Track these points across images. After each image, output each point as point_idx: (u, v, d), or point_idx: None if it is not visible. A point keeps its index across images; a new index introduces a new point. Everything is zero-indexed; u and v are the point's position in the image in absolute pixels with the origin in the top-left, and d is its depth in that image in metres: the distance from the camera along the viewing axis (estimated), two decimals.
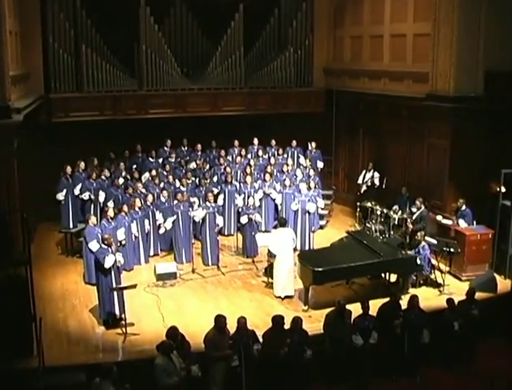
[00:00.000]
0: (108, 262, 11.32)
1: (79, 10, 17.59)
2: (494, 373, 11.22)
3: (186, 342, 9.90)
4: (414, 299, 11.16)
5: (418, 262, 13.11)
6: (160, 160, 17.71)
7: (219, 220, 15.02)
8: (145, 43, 17.94)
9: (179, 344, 9.47)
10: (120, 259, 11.69)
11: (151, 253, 15.28)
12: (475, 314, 11.36)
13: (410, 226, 14.90)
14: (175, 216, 14.89)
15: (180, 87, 18.62)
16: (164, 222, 14.94)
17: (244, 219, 15.26)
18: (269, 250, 13.59)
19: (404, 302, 11.50)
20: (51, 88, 17.56)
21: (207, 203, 14.92)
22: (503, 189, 13.74)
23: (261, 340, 10.09)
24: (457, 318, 11.20)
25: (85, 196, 15.39)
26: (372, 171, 17.64)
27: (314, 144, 18.72)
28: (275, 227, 15.34)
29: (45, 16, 17.31)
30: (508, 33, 14.49)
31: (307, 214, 15.54)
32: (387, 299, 11.52)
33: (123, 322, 11.40)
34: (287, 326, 10.23)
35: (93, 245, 12.39)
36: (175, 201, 15.09)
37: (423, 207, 14.99)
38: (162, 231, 15.06)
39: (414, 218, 14.97)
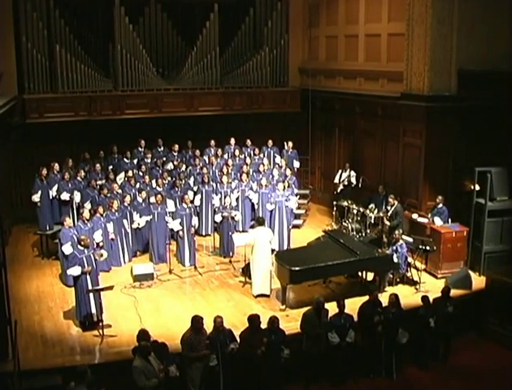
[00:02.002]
0: (73, 271, 11.24)
1: (52, 10, 17.47)
2: (469, 368, 11.39)
3: (163, 343, 9.86)
4: (391, 297, 11.24)
5: (395, 260, 13.20)
6: (135, 161, 17.60)
7: (194, 220, 14.99)
8: (120, 43, 17.82)
9: (155, 346, 9.44)
10: (104, 253, 11.83)
11: (128, 255, 15.19)
12: (450, 311, 11.47)
13: (387, 223, 15.00)
14: (150, 216, 14.85)
15: (156, 87, 18.55)
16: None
17: (218, 218, 15.25)
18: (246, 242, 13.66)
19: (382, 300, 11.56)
20: (25, 89, 17.37)
21: (183, 205, 14.88)
22: (477, 187, 13.85)
23: (238, 340, 10.08)
24: (433, 315, 11.32)
25: (64, 196, 15.26)
26: (349, 170, 17.70)
27: (290, 143, 18.72)
28: (252, 227, 15.35)
29: (17, 16, 17.10)
30: (480, 33, 14.63)
31: (284, 214, 15.56)
32: (364, 297, 11.61)
33: (100, 323, 11.33)
34: (264, 325, 10.23)
35: (67, 249, 12.34)
36: (152, 201, 15.04)
37: (396, 203, 15.08)
38: (135, 225, 15.01)
39: (389, 214, 15.08)
